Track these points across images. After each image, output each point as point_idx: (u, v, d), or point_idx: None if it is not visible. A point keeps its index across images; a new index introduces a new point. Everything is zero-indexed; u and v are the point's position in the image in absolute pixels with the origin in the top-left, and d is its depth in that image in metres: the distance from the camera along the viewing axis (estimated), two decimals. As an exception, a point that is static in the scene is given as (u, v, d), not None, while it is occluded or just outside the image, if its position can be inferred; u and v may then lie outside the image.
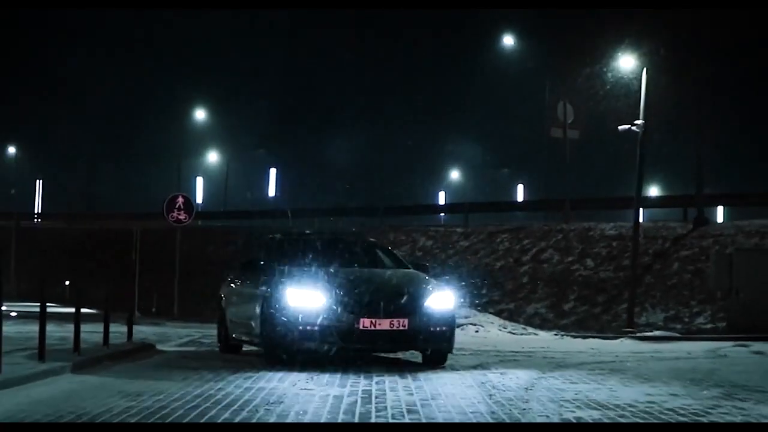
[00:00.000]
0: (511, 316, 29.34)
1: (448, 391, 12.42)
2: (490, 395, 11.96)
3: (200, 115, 67.23)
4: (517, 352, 19.71)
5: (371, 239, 19.72)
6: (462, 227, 38.97)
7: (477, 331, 24.78)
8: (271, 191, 68.12)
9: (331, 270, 15.31)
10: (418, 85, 72.16)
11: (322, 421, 5.88)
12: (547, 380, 14.05)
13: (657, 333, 25.08)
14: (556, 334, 25.52)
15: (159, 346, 18.62)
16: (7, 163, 68.95)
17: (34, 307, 17.09)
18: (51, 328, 15.88)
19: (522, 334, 25.41)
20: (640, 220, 30.70)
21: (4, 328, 12.88)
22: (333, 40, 75.09)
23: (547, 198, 47.28)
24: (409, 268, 16.19)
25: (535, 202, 49.49)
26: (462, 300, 26.94)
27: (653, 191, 51.56)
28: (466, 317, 25.86)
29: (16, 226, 51.97)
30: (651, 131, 28.82)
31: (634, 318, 26.77)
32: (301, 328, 13.91)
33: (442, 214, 50.15)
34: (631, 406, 11.13)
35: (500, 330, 25.54)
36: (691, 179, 34.17)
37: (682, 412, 10.82)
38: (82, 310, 16.49)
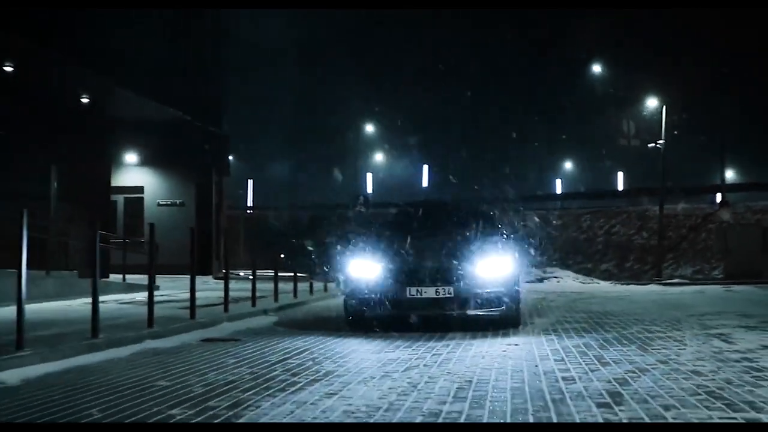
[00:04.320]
0: (589, 272, 33.68)
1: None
2: (543, 298, 16.18)
3: (369, 128, 70.57)
4: (574, 292, 23.81)
5: (477, 207, 16.72)
6: (558, 210, 42.27)
7: (558, 281, 29.37)
8: (424, 183, 64.63)
9: (400, 240, 13.05)
10: (536, 95, 68.47)
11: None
12: (581, 301, 18.44)
13: (674, 280, 29.51)
14: (611, 283, 30.00)
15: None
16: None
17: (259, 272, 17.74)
18: (262, 285, 17.46)
19: (587, 283, 29.68)
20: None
21: (238, 285, 17.09)
22: (465, 52, 70.87)
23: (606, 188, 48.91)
24: (497, 235, 13.33)
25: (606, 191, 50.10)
26: (546, 260, 30.87)
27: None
28: (551, 272, 30.62)
29: (243, 214, 56.72)
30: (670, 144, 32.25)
31: (662, 271, 31.20)
32: (360, 295, 12.28)
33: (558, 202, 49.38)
34: (614, 314, 15.02)
35: (573, 281, 29.76)
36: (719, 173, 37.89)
37: (639, 311, 15.35)
38: (288, 274, 19.52)
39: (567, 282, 28.91)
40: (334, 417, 5.80)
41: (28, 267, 9.34)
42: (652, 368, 7.97)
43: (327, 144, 71.73)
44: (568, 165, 70.33)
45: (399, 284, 12.01)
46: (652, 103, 34.83)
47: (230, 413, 5.93)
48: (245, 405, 6.26)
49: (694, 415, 5.69)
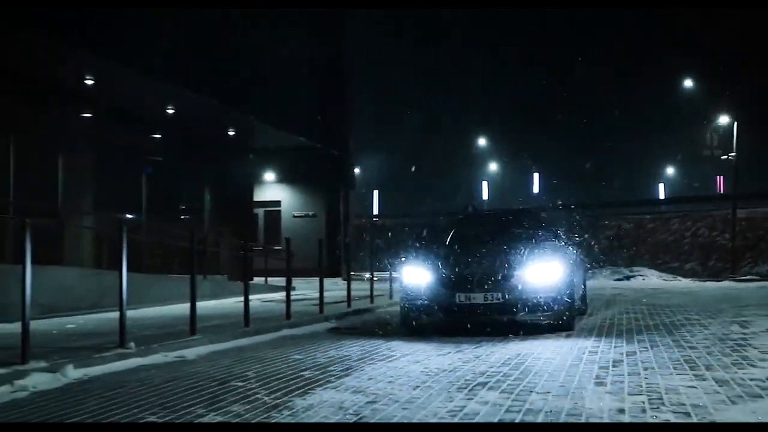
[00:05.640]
0: (675, 271, 34.75)
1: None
2: (619, 294, 17.71)
3: (482, 141, 72.09)
4: (653, 288, 25.06)
5: (540, 215, 15.61)
6: (649, 215, 42.96)
7: (643, 279, 30.58)
8: (535, 189, 66.25)
9: (452, 247, 12.82)
10: (640, 103, 68.10)
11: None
12: (652, 296, 19.41)
13: (747, 277, 30.42)
14: (691, 280, 31.05)
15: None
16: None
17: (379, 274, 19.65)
18: (380, 285, 19.05)
19: (669, 281, 30.81)
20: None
21: (362, 285, 18.69)
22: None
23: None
24: (548, 241, 12.81)
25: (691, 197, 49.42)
26: (634, 259, 31.90)
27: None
28: (637, 271, 31.83)
29: (369, 222, 58.99)
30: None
31: (738, 268, 32.02)
32: (412, 302, 11.80)
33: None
34: (671, 306, 16.36)
35: (657, 278, 30.87)
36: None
37: (694, 303, 16.65)
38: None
39: (651, 280, 30.08)
40: (414, 376, 7.75)
41: (190, 273, 11.68)
42: (662, 345, 9.72)
43: (446, 155, 73.33)
44: (670, 170, 70.62)
45: (448, 290, 11.47)
46: (724, 118, 35.79)
47: (343, 375, 7.94)
48: (354, 369, 8.28)
49: (664, 374, 7.48)
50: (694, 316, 14.09)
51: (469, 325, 11.32)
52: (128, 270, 10.13)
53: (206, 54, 21.74)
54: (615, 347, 9.62)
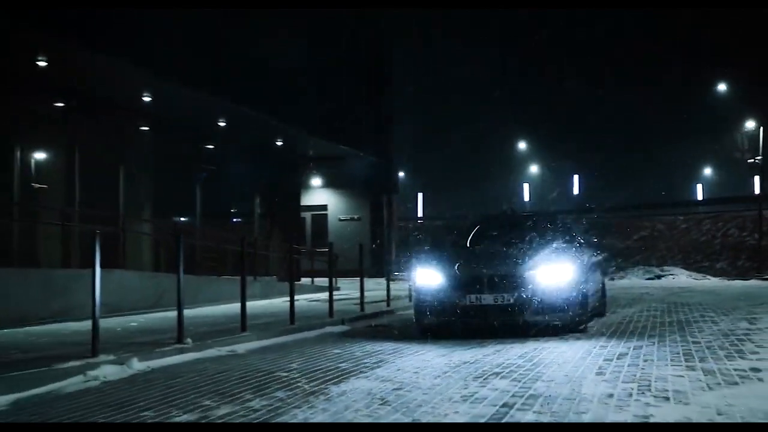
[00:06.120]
0: (705, 270, 35.01)
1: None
2: (646, 292, 18.30)
3: (522, 145, 72.51)
4: (680, 287, 25.54)
5: (555, 217, 15.77)
6: (682, 216, 43.09)
7: (673, 278, 30.91)
8: (575, 190, 66.54)
9: (463, 249, 12.80)
10: (677, 107, 66.29)
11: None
12: (677, 294, 20.15)
13: None
14: (719, 279, 31.29)
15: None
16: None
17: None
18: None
19: (698, 279, 31.07)
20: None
21: (405, 285, 18.33)
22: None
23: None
24: (559, 243, 12.42)
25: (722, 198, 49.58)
26: (665, 259, 32.33)
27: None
28: (668, 270, 32.18)
29: (413, 224, 59.63)
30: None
31: (765, 267, 32.14)
32: (423, 303, 11.61)
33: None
34: (692, 304, 16.90)
35: (686, 277, 31.12)
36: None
37: (714, 301, 17.00)
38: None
39: (680, 279, 30.43)
40: (438, 367, 8.46)
41: (241, 274, 12.52)
42: (669, 340, 10.34)
43: (489, 158, 73.12)
44: (708, 171, 70.38)
45: (458, 291, 11.24)
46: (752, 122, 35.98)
47: (375, 366, 8.67)
48: (385, 362, 9.00)
49: (659, 365, 8.12)
50: (710, 313, 14.64)
51: (479, 327, 11.14)
52: (184, 272, 10.97)
53: (255, 70, 22.59)
54: (625, 342, 10.23)
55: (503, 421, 5.63)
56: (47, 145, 19.60)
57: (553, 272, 11.23)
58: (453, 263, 11.72)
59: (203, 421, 5.94)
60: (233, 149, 25.33)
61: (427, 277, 11.68)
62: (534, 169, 72.70)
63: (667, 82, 68.33)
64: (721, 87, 48.20)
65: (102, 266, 9.43)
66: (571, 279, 11.30)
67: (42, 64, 16.66)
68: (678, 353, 8.99)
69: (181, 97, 20.41)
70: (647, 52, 69.48)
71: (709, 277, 31.74)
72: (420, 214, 66.52)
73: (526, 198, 68.51)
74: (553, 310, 11.03)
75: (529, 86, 77.15)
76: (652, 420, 5.47)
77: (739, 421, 5.39)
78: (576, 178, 67.90)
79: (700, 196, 59.56)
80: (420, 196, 67.75)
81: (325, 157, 32.75)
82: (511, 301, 11.01)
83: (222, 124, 23.23)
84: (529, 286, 11.06)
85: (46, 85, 17.91)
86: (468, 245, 13.08)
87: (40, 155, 19.40)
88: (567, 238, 12.89)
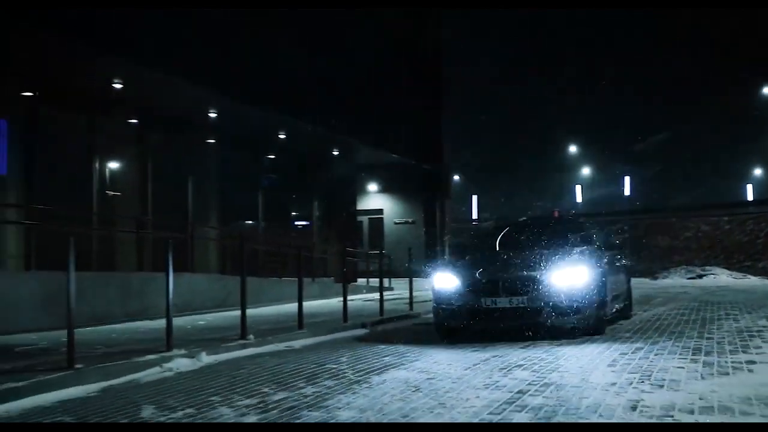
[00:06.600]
0: (747, 269, 34.94)
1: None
2: (684, 291, 18.98)
3: (573, 149, 72.54)
4: (718, 286, 25.80)
5: (578, 220, 15.48)
6: (727, 216, 41.73)
7: (714, 278, 31.12)
8: (626, 192, 65.45)
9: (484, 254, 12.67)
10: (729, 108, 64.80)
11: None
12: (712, 294, 20.33)
13: None
14: (760, 278, 31.37)
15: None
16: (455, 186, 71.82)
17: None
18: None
19: (738, 279, 31.02)
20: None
21: None
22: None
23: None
24: (576, 246, 12.36)
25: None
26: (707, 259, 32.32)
27: None
28: (710, 270, 32.38)
29: (468, 226, 60.01)
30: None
31: None
32: (443, 305, 11.49)
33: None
34: (723, 302, 17.38)
35: (727, 277, 31.15)
36: None
37: (745, 301, 17.43)
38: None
39: (721, 278, 30.64)
40: (470, 360, 9.23)
41: (298, 277, 13.44)
42: (686, 336, 10.98)
43: (542, 161, 73.05)
44: (758, 172, 69.85)
45: (474, 295, 11.13)
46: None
47: (415, 359, 9.47)
48: (425, 354, 9.78)
49: (667, 359, 8.82)
50: (735, 311, 15.18)
51: (494, 330, 11.14)
52: (247, 275, 11.92)
53: (311, 85, 23.53)
54: (644, 339, 10.87)
55: (514, 404, 6.40)
56: (123, 157, 20.74)
57: (568, 275, 11.06)
58: (469, 267, 11.70)
59: (260, 405, 6.75)
60: (292, 159, 26.34)
61: (445, 281, 11.60)
62: (586, 171, 72.90)
63: (717, 82, 67.98)
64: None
65: (173, 270, 10.39)
66: (586, 282, 11.11)
67: (118, 86, 17.75)
68: (689, 348, 9.63)
69: (245, 114, 21.40)
70: (696, 54, 69.20)
71: (749, 276, 31.86)
72: (474, 216, 65.83)
73: (578, 199, 68.95)
74: (568, 312, 10.89)
75: (581, 91, 77.10)
76: (641, 405, 6.19)
77: (716, 404, 6.09)
78: (627, 179, 67.16)
79: (750, 197, 59.10)
80: (474, 198, 67.70)
81: (380, 165, 33.60)
82: (526, 304, 10.88)
83: (282, 136, 24.23)
84: (544, 290, 10.90)
85: (122, 104, 19.02)
86: (486, 249, 13.02)
87: (116, 166, 20.53)
88: (586, 241, 12.73)
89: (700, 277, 30.88)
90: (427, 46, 35.78)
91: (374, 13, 28.03)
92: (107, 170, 20.09)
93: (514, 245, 12.65)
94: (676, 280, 30.52)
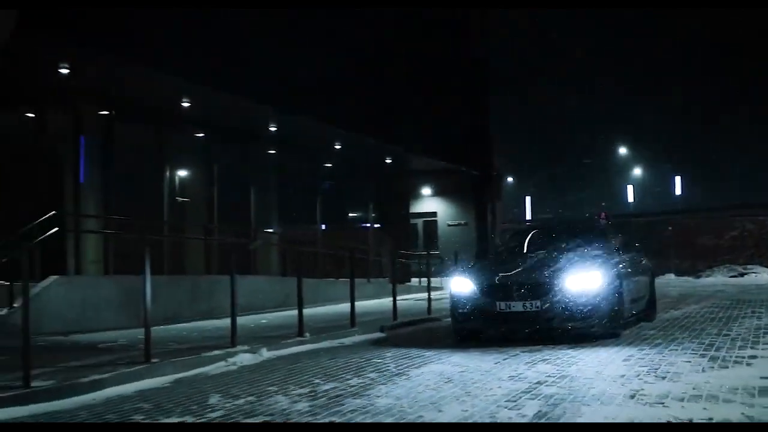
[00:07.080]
0: None
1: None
2: (720, 290, 19.20)
3: (622, 150, 72.40)
4: (756, 285, 25.89)
5: (599, 223, 14.40)
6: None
7: (755, 276, 31.05)
8: (677, 191, 65.60)
9: (501, 258, 12.72)
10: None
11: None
12: (748, 292, 20.53)
13: None
14: None
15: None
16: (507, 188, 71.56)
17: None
18: None
19: None
20: None
21: None
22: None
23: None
24: (592, 250, 12.13)
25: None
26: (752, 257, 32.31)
27: None
28: (751, 269, 32.35)
29: (522, 227, 60.05)
30: None
31: None
32: (458, 310, 11.45)
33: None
34: (755, 301, 17.62)
35: None
36: None
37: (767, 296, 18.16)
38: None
39: (762, 276, 30.62)
40: (501, 355, 9.94)
41: (357, 276, 14.30)
42: (705, 333, 11.53)
43: (595, 162, 73.68)
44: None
45: (489, 298, 11.07)
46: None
47: (452, 354, 10.21)
48: (462, 349, 10.52)
49: (678, 353, 9.44)
50: (761, 309, 15.61)
51: (509, 333, 11.02)
52: (305, 276, 12.80)
53: (363, 98, 24.35)
54: (667, 335, 11.47)
55: (530, 393, 7.13)
56: (190, 167, 21.80)
57: (581, 280, 10.89)
58: (486, 271, 11.68)
59: (311, 394, 7.57)
60: (348, 166, 27.24)
61: (462, 284, 11.52)
62: (637, 171, 72.86)
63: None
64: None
65: (237, 273, 11.30)
66: (599, 286, 10.92)
67: (186, 104, 18.79)
68: (703, 344, 10.19)
69: (302, 126, 22.30)
70: (744, 52, 68.79)
71: (794, 275, 31.82)
72: (528, 216, 66.20)
73: (630, 199, 68.84)
74: (580, 317, 10.74)
75: (635, 89, 77.73)
76: (640, 393, 6.88)
77: (705, 393, 6.77)
78: (678, 179, 67.17)
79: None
80: (528, 199, 68.40)
81: (432, 170, 34.29)
82: (539, 308, 10.75)
83: (338, 146, 25.13)
84: (559, 294, 10.79)
85: (190, 118, 20.06)
86: (504, 254, 13.05)
87: (184, 175, 21.59)
88: (604, 244, 12.54)
89: (742, 275, 31.02)
90: (475, 49, 36.04)
91: (420, 22, 28.66)
92: (177, 179, 21.14)
93: (535, 248, 12.64)
94: (718, 279, 30.71)
